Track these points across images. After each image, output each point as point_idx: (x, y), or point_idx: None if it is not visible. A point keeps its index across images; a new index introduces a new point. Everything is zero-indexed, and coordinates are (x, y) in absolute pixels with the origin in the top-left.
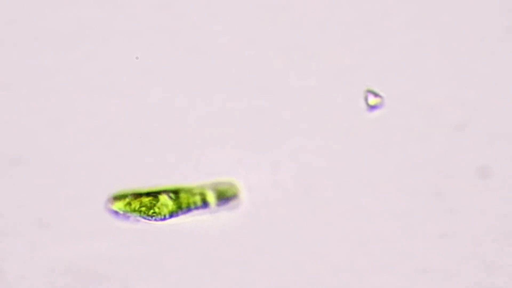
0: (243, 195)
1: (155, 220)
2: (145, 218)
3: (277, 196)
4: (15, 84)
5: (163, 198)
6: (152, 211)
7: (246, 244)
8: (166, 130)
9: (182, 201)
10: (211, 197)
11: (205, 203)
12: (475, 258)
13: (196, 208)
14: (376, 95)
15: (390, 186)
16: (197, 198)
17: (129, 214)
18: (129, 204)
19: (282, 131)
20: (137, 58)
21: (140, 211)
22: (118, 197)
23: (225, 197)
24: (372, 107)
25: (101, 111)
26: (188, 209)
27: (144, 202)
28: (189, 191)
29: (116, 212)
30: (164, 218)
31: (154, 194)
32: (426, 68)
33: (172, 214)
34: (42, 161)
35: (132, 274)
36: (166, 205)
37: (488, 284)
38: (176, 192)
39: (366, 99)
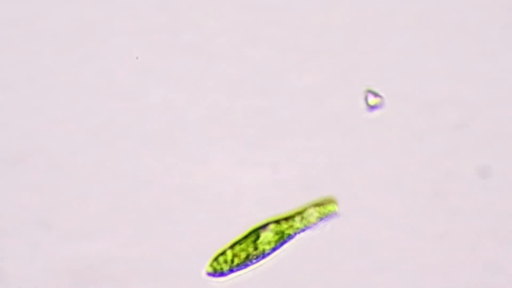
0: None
1: (260, 259)
2: (249, 264)
3: (277, 196)
4: (15, 84)
5: (263, 235)
6: (254, 253)
7: None
8: (166, 130)
9: (283, 231)
10: (312, 218)
11: (306, 226)
12: (475, 258)
13: (298, 232)
14: (376, 95)
15: (390, 186)
16: (298, 224)
17: (231, 269)
18: (226, 260)
19: (282, 131)
20: (137, 58)
21: (241, 260)
22: (215, 258)
23: (326, 214)
24: (372, 107)
25: (101, 111)
26: (290, 236)
27: (242, 249)
28: (288, 218)
29: (215, 273)
30: (268, 254)
31: (253, 235)
32: (426, 68)
33: (276, 247)
34: (42, 161)
35: (132, 274)
36: (269, 242)
37: (488, 284)
38: (274, 223)
39: (366, 99)
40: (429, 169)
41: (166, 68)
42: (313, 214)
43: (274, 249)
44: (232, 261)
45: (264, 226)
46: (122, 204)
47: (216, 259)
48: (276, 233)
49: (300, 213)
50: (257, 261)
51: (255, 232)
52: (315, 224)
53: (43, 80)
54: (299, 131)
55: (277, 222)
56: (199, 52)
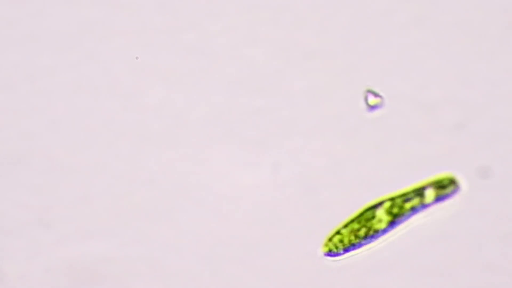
0: (462, 186)
1: (374, 238)
2: (364, 244)
3: (277, 196)
4: (15, 84)
5: (378, 213)
6: (368, 230)
7: (246, 243)
8: (166, 130)
9: (399, 209)
10: (429, 197)
11: (423, 205)
12: (475, 258)
13: (414, 212)
14: (376, 95)
15: (390, 186)
16: (415, 201)
17: (346, 248)
18: (343, 239)
19: (282, 131)
20: (137, 58)
21: (357, 238)
22: (331, 237)
23: (444, 193)
24: (372, 107)
25: (101, 111)
26: (405, 216)
27: (358, 227)
28: (404, 197)
29: (331, 253)
30: (383, 233)
31: (368, 213)
32: (426, 68)
33: (390, 226)
34: (42, 161)
35: (132, 274)
36: (380, 220)
37: (488, 284)
38: (389, 201)
39: (366, 99)
40: (429, 169)
41: (166, 68)
42: (430, 193)
43: (388, 228)
44: (347, 240)
45: (378, 205)
46: (122, 204)
47: (330, 239)
48: (390, 212)
49: (416, 190)
50: (370, 241)
51: (370, 211)
52: (431, 204)
53: (43, 80)
54: (299, 131)
55: (392, 199)
56: (199, 52)
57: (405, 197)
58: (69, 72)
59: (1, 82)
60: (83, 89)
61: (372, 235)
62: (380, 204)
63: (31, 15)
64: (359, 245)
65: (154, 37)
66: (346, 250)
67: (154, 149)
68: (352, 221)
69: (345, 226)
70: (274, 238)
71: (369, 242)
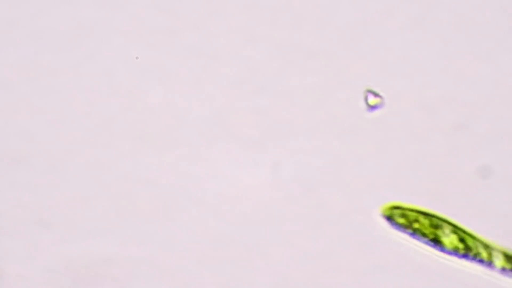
0: None
1: (433, 247)
2: (423, 242)
3: (277, 196)
4: (15, 84)
5: (450, 230)
6: (433, 236)
7: (246, 243)
8: (166, 130)
9: (468, 244)
10: (499, 260)
11: (489, 263)
12: (475, 258)
13: (479, 260)
14: (376, 95)
15: (390, 186)
16: (484, 253)
17: (408, 230)
18: (413, 221)
19: (282, 131)
20: (137, 58)
21: (422, 233)
22: (400, 208)
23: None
24: (372, 107)
25: (101, 111)
26: (469, 256)
27: (428, 224)
28: (479, 241)
29: (389, 219)
30: (443, 250)
31: (441, 223)
32: (426, 68)
33: (452, 251)
34: (42, 161)
35: (132, 274)
36: (451, 240)
37: (488, 284)
38: (463, 233)
39: (366, 99)
40: (429, 169)
41: (166, 68)
42: (498, 257)
43: (453, 252)
44: (410, 223)
45: (447, 226)
46: (122, 204)
47: (395, 208)
48: (461, 241)
49: (488, 246)
50: (427, 245)
51: (437, 227)
52: (496, 268)
53: (43, 80)
54: (299, 131)
55: (460, 232)
56: (199, 52)
57: (478, 242)
58: (69, 72)
59: (1, 82)
60: (83, 89)
61: (433, 241)
62: (449, 224)
63: (31, 15)
64: (413, 235)
65: (154, 37)
66: (398, 227)
67: (154, 149)
68: (427, 214)
69: (422, 213)
70: (274, 238)
71: (424, 243)
